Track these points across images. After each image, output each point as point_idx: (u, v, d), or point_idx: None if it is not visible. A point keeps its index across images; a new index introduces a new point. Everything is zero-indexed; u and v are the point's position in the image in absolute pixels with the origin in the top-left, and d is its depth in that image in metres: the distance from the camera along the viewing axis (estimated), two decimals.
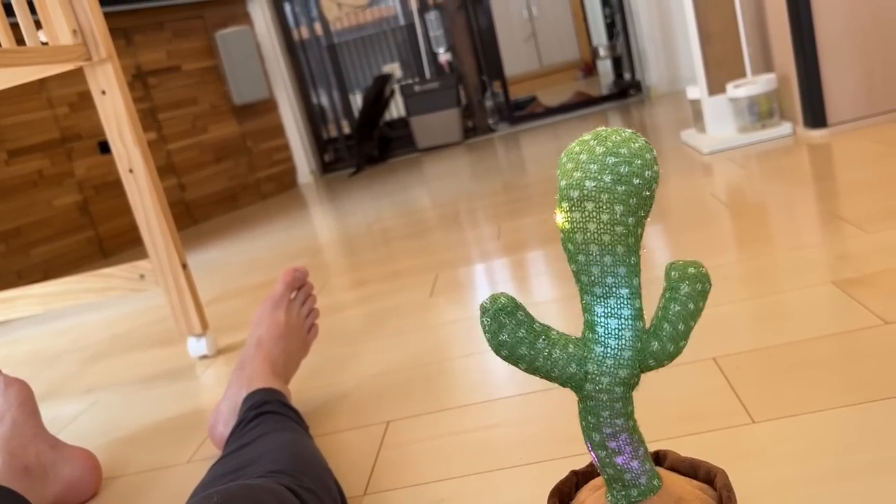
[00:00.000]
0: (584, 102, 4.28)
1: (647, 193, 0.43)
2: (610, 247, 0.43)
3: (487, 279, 1.54)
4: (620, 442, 0.46)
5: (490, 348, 0.44)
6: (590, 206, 0.43)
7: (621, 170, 0.42)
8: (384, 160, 4.05)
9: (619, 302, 0.44)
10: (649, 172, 0.43)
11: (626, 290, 0.44)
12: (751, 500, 0.64)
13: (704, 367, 0.91)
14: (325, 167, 4.19)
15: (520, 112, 4.28)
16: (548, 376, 0.45)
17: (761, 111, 2.16)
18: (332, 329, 1.44)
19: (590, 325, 0.45)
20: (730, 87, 2.18)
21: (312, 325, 1.12)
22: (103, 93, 1.33)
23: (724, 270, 1.23)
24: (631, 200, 0.43)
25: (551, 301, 1.31)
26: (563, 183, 0.44)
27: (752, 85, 2.13)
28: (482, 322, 0.44)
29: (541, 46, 6.61)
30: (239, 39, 3.74)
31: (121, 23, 3.23)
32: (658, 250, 1.44)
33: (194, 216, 3.42)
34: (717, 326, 1.02)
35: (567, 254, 0.45)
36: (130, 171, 1.35)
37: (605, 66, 4.63)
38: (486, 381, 1.04)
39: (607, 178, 0.42)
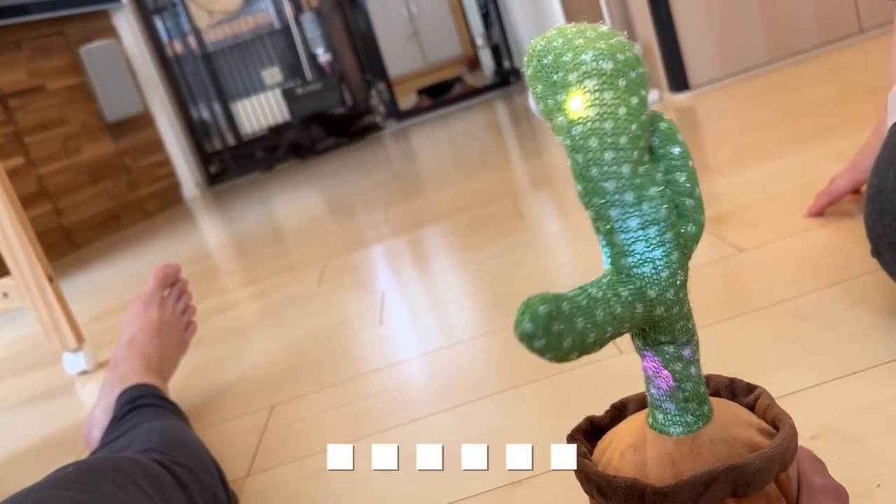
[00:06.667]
0: (467, 94, 4.33)
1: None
2: (636, 139, 0.35)
3: (374, 261, 1.53)
4: (693, 346, 0.39)
5: (547, 360, 0.33)
6: (622, 83, 0.34)
7: (630, 52, 0.35)
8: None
9: (652, 204, 0.36)
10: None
11: (655, 189, 0.36)
12: None
13: None
14: (212, 179, 4.07)
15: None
16: (618, 335, 0.36)
17: None
18: (219, 327, 1.39)
19: (623, 250, 0.37)
20: None
21: (190, 322, 1.08)
22: None
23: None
24: (642, 91, 0.35)
25: (449, 268, 1.31)
26: (587, 55, 0.34)
27: None
28: (534, 347, 0.32)
29: (423, 44, 6.65)
30: (106, 54, 3.58)
31: None
32: (543, 212, 1.47)
33: (75, 241, 3.24)
34: None
35: (582, 155, 0.36)
36: None
37: (486, 57, 4.70)
38: (367, 355, 1.03)
39: (622, 58, 0.34)
